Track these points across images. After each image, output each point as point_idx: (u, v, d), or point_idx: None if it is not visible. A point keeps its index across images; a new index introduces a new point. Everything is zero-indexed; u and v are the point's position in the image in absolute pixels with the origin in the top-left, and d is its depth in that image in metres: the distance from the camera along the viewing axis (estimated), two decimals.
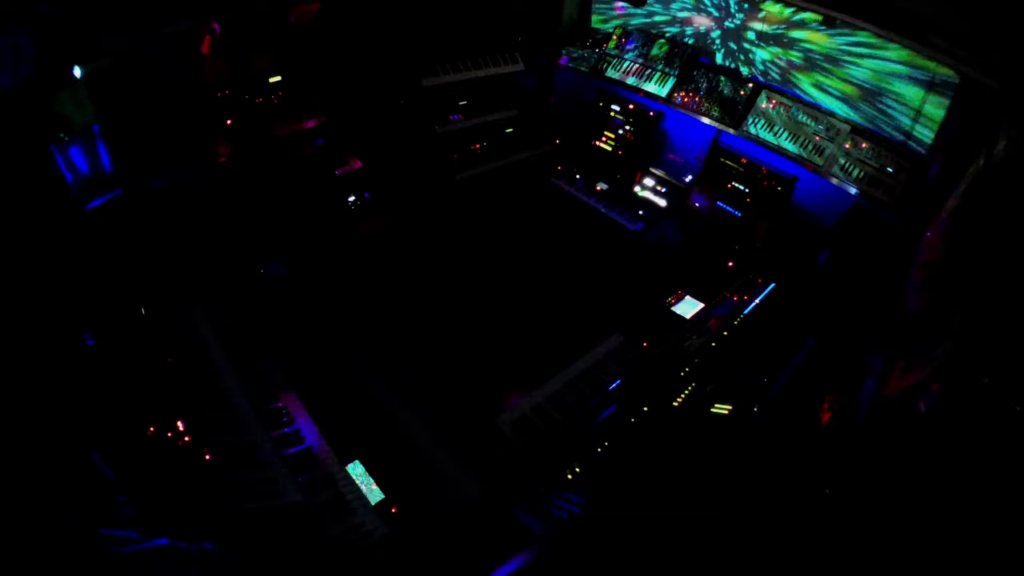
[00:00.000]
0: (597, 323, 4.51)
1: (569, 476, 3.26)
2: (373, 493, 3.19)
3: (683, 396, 3.76)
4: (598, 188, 6.15)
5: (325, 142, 5.36)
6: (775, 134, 5.09)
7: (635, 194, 6.08)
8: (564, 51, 6.44)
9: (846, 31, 4.76)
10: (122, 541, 2.07)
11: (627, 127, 6.09)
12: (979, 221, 3.09)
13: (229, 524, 2.69)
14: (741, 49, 5.59)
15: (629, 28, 6.22)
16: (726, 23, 5.59)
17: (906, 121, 4.66)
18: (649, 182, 6.08)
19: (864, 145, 4.66)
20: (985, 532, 2.08)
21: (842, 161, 4.73)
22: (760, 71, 5.50)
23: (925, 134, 4.59)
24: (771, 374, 3.92)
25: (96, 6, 3.64)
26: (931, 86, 4.37)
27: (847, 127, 4.80)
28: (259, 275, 4.67)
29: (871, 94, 4.80)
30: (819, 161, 4.83)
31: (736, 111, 5.31)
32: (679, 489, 3.20)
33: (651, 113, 5.88)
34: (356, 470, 3.29)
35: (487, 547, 3.02)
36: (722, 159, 5.45)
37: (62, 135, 3.68)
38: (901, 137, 4.71)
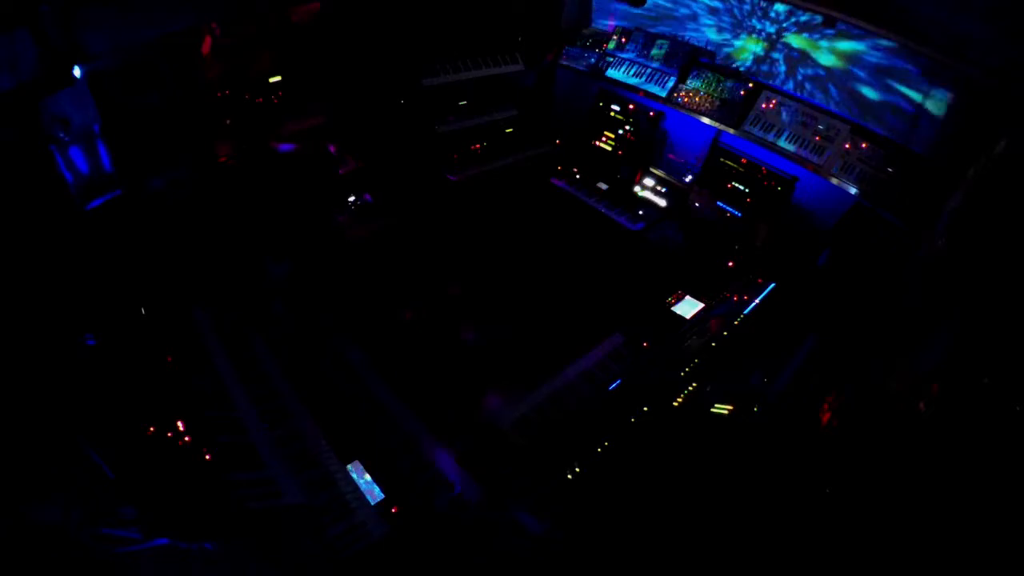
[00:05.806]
0: (597, 323, 4.51)
1: (569, 476, 3.26)
2: (373, 493, 3.19)
3: (683, 396, 3.76)
4: (598, 188, 6.14)
5: (325, 142, 5.36)
6: (775, 134, 5.08)
7: (635, 194, 6.07)
8: (564, 51, 6.43)
9: None
10: (122, 541, 2.07)
11: (627, 127, 6.09)
12: (980, 220, 3.09)
13: (229, 524, 2.69)
14: None
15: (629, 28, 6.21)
16: None
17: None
18: (649, 182, 6.08)
19: (864, 145, 4.65)
20: (985, 530, 2.08)
21: (842, 161, 4.72)
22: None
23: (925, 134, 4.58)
24: (771, 374, 3.91)
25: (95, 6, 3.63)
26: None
27: (847, 127, 4.79)
28: (259, 276, 4.67)
29: None
30: (819, 161, 4.82)
31: (736, 111, 5.31)
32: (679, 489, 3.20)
33: (651, 113, 5.88)
34: (356, 470, 3.29)
35: (487, 547, 3.02)
36: (722, 159, 5.45)
37: (62, 135, 3.68)
38: (901, 137, 4.70)
